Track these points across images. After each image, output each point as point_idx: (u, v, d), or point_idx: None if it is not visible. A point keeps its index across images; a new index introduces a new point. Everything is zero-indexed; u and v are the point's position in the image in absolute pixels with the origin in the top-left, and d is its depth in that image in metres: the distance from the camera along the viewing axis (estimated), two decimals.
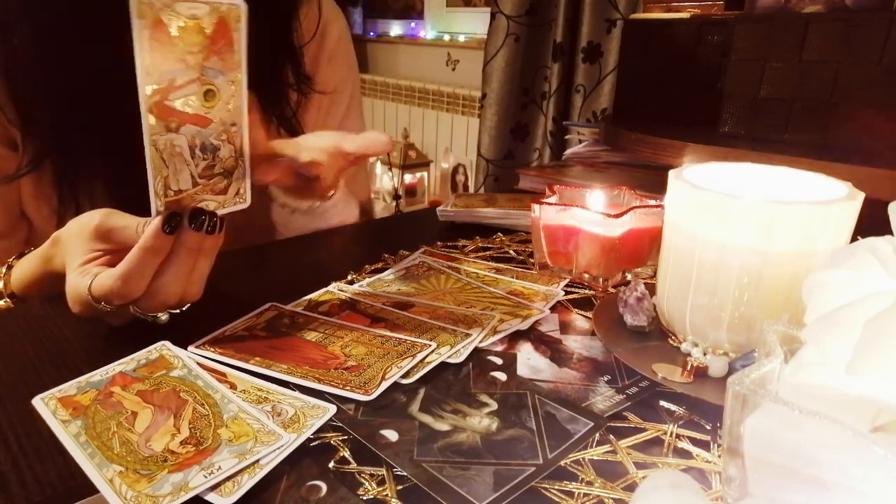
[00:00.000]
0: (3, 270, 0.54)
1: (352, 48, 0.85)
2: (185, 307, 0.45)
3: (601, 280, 0.53)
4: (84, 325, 0.46)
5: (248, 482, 0.30)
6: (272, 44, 0.71)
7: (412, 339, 0.43)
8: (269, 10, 0.69)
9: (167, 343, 0.42)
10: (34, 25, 0.57)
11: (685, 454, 0.33)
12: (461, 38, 2.45)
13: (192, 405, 0.35)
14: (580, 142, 0.97)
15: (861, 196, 0.36)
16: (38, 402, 0.35)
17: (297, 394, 0.37)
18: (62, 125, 0.60)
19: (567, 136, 1.53)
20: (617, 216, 0.50)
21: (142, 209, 0.53)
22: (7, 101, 0.59)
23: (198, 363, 0.40)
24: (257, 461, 0.31)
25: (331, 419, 0.35)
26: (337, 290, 0.52)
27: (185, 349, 0.41)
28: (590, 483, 0.31)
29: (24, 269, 0.52)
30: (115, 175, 0.62)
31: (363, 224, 0.79)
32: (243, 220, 0.73)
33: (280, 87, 0.73)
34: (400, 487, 0.30)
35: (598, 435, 0.34)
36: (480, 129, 1.69)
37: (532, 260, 0.59)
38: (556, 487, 0.30)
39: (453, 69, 2.48)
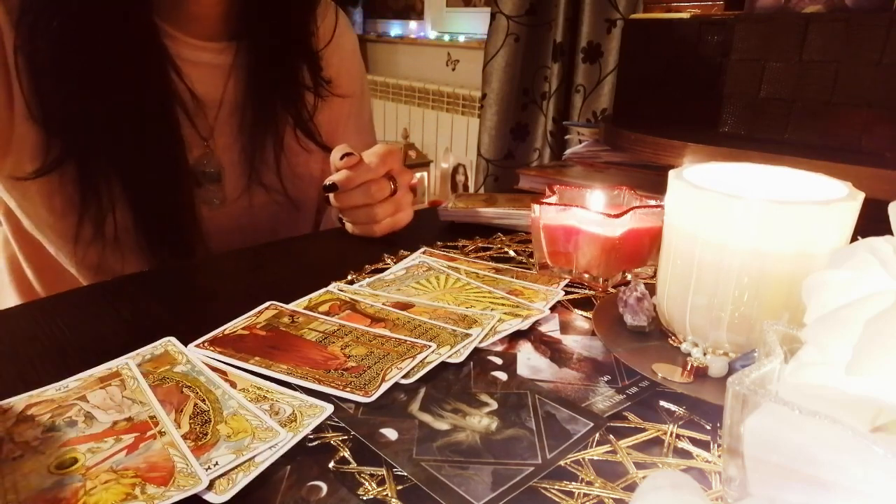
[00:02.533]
0: None
1: (361, 59, 0.87)
2: None
3: (601, 280, 0.53)
4: (84, 325, 0.46)
5: (242, 480, 0.30)
6: (290, 45, 0.72)
7: (412, 339, 0.43)
8: (286, 13, 0.70)
9: (172, 339, 0.42)
10: (60, 24, 0.58)
11: (685, 454, 0.33)
12: (461, 38, 2.45)
13: (193, 400, 0.36)
14: (580, 142, 0.97)
15: (861, 196, 0.36)
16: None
17: (295, 393, 0.37)
18: (84, 125, 0.61)
19: (567, 136, 1.53)
20: (617, 216, 0.50)
21: (152, 206, 0.54)
22: (32, 99, 0.59)
23: (201, 360, 0.40)
24: (253, 458, 0.31)
25: (331, 418, 0.35)
26: (337, 290, 0.52)
27: (185, 347, 0.41)
28: (590, 483, 0.31)
29: None
30: (132, 173, 0.63)
31: None
32: (248, 220, 0.73)
33: (297, 89, 0.73)
34: (400, 487, 0.30)
35: (598, 435, 0.34)
36: (480, 129, 1.69)
37: (532, 260, 0.59)
38: (556, 487, 0.30)
39: (453, 69, 2.48)
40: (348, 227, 0.67)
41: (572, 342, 0.44)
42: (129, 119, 0.62)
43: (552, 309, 0.49)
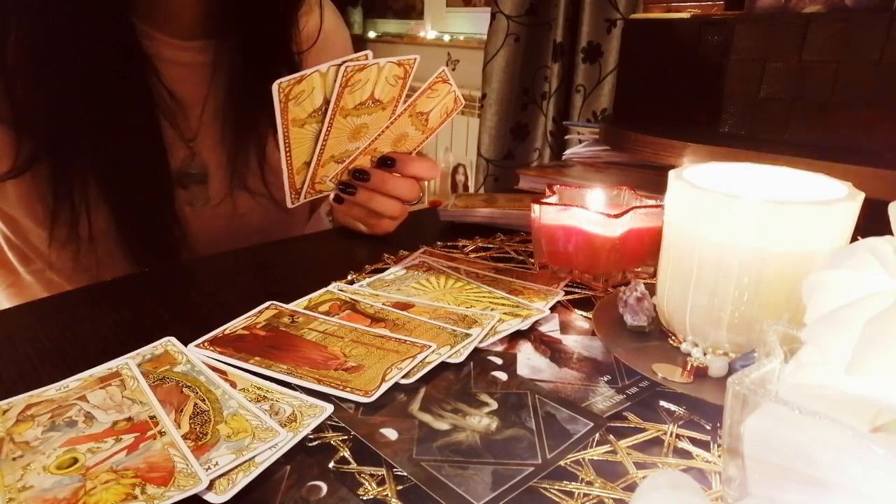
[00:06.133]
0: None
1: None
2: None
3: (601, 280, 0.53)
4: (84, 325, 0.46)
5: (242, 480, 0.30)
6: (268, 45, 0.71)
7: (412, 339, 0.43)
8: (267, 12, 0.69)
9: (172, 339, 0.42)
10: (33, 22, 0.57)
11: (685, 454, 0.33)
12: (461, 38, 2.45)
13: (193, 400, 0.36)
14: (580, 142, 0.97)
15: (861, 196, 0.36)
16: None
17: (295, 393, 0.37)
18: (58, 125, 0.60)
19: (567, 136, 1.53)
20: (617, 216, 0.50)
21: (132, 208, 0.54)
22: (2, 98, 0.58)
23: (201, 360, 0.40)
24: (253, 458, 0.31)
25: (331, 418, 0.35)
26: (337, 290, 0.52)
27: (185, 347, 0.41)
28: (590, 483, 0.31)
29: None
30: (108, 174, 0.62)
31: None
32: (236, 223, 0.73)
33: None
34: (400, 487, 0.30)
35: (598, 435, 0.34)
36: (480, 129, 1.69)
37: (532, 260, 0.59)
38: (555, 487, 0.30)
39: (453, 69, 2.48)
40: (345, 221, 0.66)
41: (572, 342, 0.44)
42: (107, 121, 0.61)
43: (552, 309, 0.49)
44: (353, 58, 0.48)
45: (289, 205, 0.57)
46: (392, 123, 0.55)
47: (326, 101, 0.48)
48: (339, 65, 0.47)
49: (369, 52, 0.49)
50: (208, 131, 0.70)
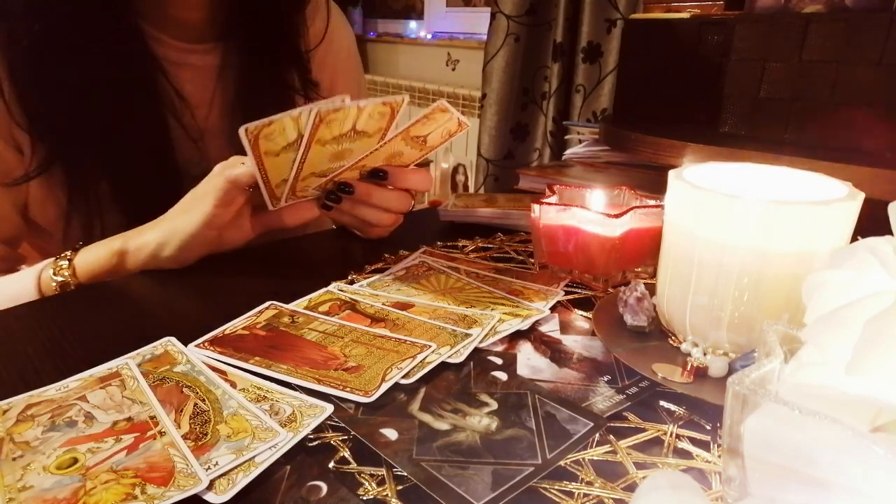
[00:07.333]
0: (66, 262, 0.55)
1: (359, 59, 0.86)
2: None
3: (601, 280, 0.53)
4: (84, 325, 0.46)
5: (242, 480, 0.30)
6: (276, 45, 0.71)
7: (412, 339, 0.43)
8: (274, 14, 0.69)
9: (172, 339, 0.42)
10: (42, 28, 0.57)
11: (685, 454, 0.33)
12: (461, 38, 2.45)
13: (193, 400, 0.36)
14: (580, 142, 0.97)
15: (861, 196, 0.36)
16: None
17: (295, 393, 0.37)
18: (70, 128, 0.60)
19: (567, 136, 1.53)
20: (617, 216, 0.50)
21: (143, 209, 0.54)
22: (15, 103, 0.59)
23: (201, 360, 0.40)
24: (253, 458, 0.31)
25: (331, 418, 0.35)
26: (337, 290, 0.52)
27: (185, 347, 0.41)
28: (590, 483, 0.31)
29: (94, 254, 0.55)
30: (121, 176, 0.63)
31: None
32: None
33: (286, 92, 0.73)
34: (400, 487, 0.30)
35: (598, 435, 0.34)
36: (480, 129, 1.69)
37: (532, 260, 0.59)
38: (555, 487, 0.30)
39: (453, 69, 2.48)
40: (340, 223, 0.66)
41: (572, 342, 0.44)
42: (116, 122, 0.61)
43: (552, 309, 0.49)
44: (327, 102, 0.47)
45: (270, 209, 0.57)
46: (381, 147, 0.54)
47: (300, 136, 0.48)
48: (311, 110, 0.46)
49: (347, 97, 0.48)
50: (217, 132, 0.70)
